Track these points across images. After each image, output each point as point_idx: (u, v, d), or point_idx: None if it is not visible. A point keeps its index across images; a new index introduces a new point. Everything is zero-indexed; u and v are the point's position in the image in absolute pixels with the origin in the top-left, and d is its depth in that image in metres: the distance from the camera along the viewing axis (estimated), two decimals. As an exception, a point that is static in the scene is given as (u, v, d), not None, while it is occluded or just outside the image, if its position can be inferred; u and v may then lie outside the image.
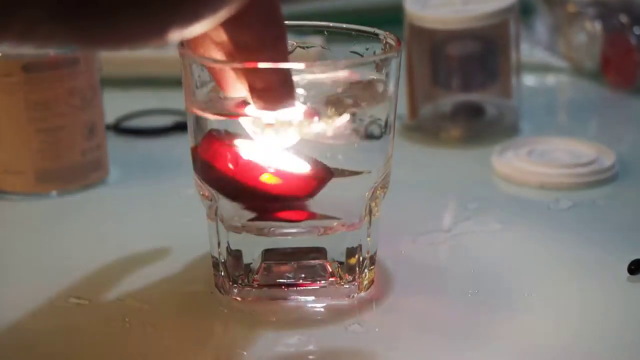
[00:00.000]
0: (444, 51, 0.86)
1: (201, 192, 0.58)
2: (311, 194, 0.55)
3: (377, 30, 0.58)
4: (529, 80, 1.00)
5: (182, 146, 0.83)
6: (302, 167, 0.55)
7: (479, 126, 0.87)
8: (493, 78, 0.87)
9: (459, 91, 0.87)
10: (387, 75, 0.56)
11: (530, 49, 1.05)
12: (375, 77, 0.56)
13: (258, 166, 0.55)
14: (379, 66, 0.56)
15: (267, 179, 0.55)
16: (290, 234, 0.57)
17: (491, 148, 0.79)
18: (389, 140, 0.57)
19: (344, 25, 0.58)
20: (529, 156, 0.78)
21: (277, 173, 0.55)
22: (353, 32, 0.58)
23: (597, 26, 0.99)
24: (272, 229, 0.57)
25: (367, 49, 0.57)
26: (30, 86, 0.71)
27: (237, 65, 0.53)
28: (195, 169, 0.57)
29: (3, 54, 0.70)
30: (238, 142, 0.55)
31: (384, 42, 0.57)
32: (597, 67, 0.99)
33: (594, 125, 0.93)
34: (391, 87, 0.56)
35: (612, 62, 0.98)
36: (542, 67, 1.04)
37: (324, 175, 0.55)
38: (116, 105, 0.87)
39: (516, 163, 0.77)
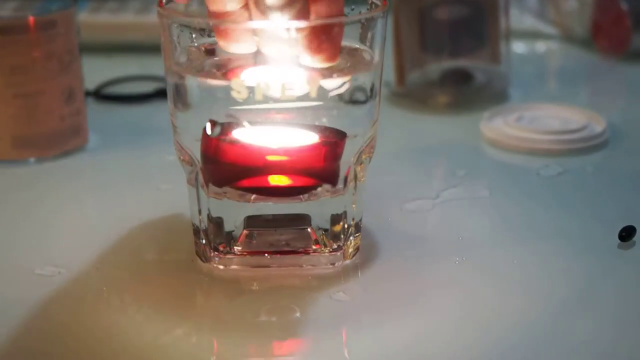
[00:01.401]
0: (432, 16, 0.84)
1: (181, 157, 0.56)
2: (325, 161, 0.54)
3: None
4: (518, 47, 0.99)
5: (163, 113, 0.81)
6: (310, 139, 0.54)
7: (468, 92, 0.85)
8: (482, 43, 0.86)
9: (448, 57, 0.86)
10: (372, 38, 0.54)
11: (519, 16, 1.04)
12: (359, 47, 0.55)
13: (262, 149, 0.53)
14: (364, 26, 0.54)
15: (273, 158, 0.53)
16: (273, 200, 0.55)
17: (480, 114, 0.78)
18: (374, 104, 0.55)
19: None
20: (518, 122, 0.76)
21: (283, 151, 0.53)
22: None
23: (587, -8, 0.98)
24: (254, 195, 0.55)
25: (352, 9, 0.56)
26: (6, 49, 0.69)
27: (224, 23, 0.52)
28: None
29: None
30: (237, 133, 0.53)
31: (370, 1, 0.56)
32: (588, 34, 0.98)
33: (584, 91, 0.92)
34: (377, 51, 0.55)
35: (602, 28, 0.96)
36: (531, 34, 1.03)
37: (331, 140, 0.54)
38: (97, 71, 0.85)
39: (505, 129, 0.75)
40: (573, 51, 0.99)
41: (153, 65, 0.88)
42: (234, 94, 0.52)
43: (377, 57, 0.55)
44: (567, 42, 1.00)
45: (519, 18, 1.03)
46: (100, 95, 0.85)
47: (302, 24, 0.51)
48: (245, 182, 0.55)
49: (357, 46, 0.55)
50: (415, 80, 0.85)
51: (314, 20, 0.51)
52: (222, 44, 0.54)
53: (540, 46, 1.02)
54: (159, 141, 0.74)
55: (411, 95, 0.85)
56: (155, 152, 0.73)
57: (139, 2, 0.99)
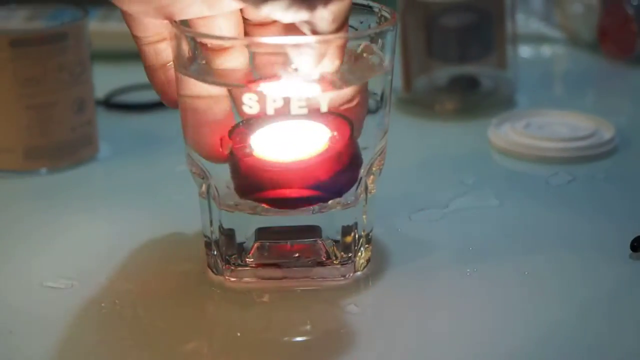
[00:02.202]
0: (438, 23, 0.84)
1: (193, 170, 0.57)
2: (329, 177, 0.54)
3: (371, 3, 0.56)
4: (524, 51, 0.99)
5: (172, 121, 0.81)
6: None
7: (475, 98, 0.85)
8: (488, 49, 0.86)
9: (454, 63, 0.86)
10: (382, 48, 0.54)
11: (525, 20, 1.04)
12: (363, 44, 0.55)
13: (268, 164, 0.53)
14: (374, 39, 0.54)
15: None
16: (284, 213, 0.56)
17: (487, 121, 0.78)
18: (385, 114, 0.56)
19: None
20: (526, 129, 0.76)
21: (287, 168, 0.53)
22: None
23: (593, -4, 0.98)
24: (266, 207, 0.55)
25: (361, 23, 0.56)
26: (19, 62, 0.69)
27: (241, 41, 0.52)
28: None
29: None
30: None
31: (379, 15, 0.56)
32: (594, 38, 0.98)
33: (592, 97, 0.92)
34: (387, 60, 0.55)
35: (609, 32, 0.96)
36: (537, 38, 1.03)
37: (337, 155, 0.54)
38: (105, 80, 0.85)
39: (513, 136, 0.76)
40: (579, 55, 0.99)
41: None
42: (245, 109, 0.53)
43: (387, 66, 0.55)
44: (573, 47, 1.00)
45: (524, 22, 1.03)
46: (110, 104, 0.85)
47: (311, 39, 0.51)
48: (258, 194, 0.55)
49: (367, 44, 0.55)
50: (422, 87, 0.85)
51: (323, 37, 0.51)
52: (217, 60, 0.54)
53: (546, 50, 1.02)
54: (169, 150, 0.74)
55: (418, 101, 0.85)
56: (165, 161, 0.73)
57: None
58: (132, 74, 0.90)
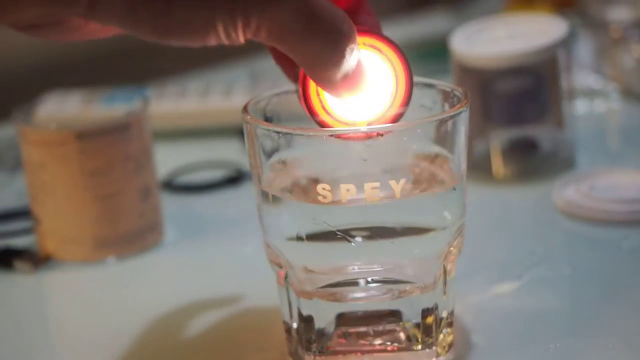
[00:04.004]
0: (493, 88, 0.84)
1: (270, 258, 0.56)
2: None
3: (451, 86, 0.56)
4: (578, 106, 0.98)
5: (235, 201, 0.82)
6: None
7: (534, 161, 0.85)
8: (545, 111, 0.85)
9: (511, 126, 0.85)
10: (452, 141, 0.54)
11: (575, 74, 1.03)
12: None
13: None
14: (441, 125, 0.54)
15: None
16: (364, 299, 0.55)
17: (549, 184, 0.78)
18: (463, 195, 0.55)
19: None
20: (592, 191, 0.76)
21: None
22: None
23: (645, 49, 0.97)
24: (344, 293, 0.55)
25: (434, 103, 0.56)
26: (85, 154, 0.70)
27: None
28: None
29: (58, 124, 0.70)
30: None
31: (451, 95, 0.56)
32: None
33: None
34: (462, 138, 0.55)
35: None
36: (589, 93, 1.02)
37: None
38: (162, 160, 0.85)
39: (579, 199, 0.75)
40: (634, 109, 0.98)
41: (215, 150, 0.89)
42: (319, 198, 0.53)
43: (462, 165, 0.55)
44: (628, 100, 0.99)
45: (574, 76, 1.02)
46: (171, 186, 0.85)
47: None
48: None
49: (437, 151, 0.55)
50: (480, 151, 0.85)
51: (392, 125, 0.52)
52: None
53: (600, 105, 1.01)
54: (235, 231, 0.74)
55: (476, 166, 0.84)
56: (232, 243, 0.73)
57: (200, 86, 0.99)
58: (190, 153, 0.91)
